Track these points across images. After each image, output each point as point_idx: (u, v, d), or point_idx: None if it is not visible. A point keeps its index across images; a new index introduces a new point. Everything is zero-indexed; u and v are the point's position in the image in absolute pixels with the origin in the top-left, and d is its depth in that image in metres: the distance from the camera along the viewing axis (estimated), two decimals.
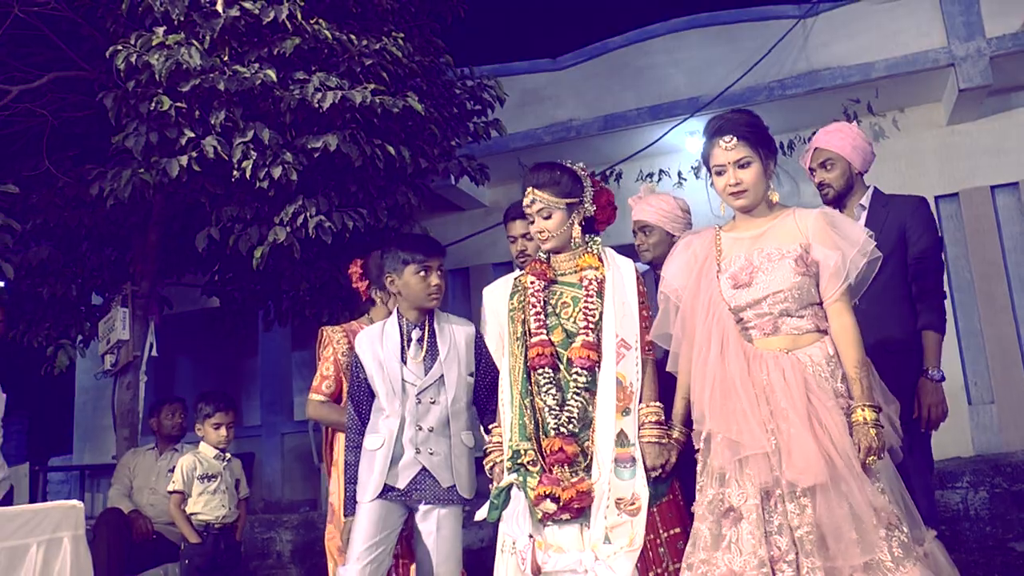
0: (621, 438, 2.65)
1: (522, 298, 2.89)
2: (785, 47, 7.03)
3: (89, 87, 4.95)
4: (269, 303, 6.32)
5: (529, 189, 2.87)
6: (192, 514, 4.20)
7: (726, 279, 2.59)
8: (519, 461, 2.69)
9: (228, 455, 4.39)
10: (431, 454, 2.93)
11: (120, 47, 4.11)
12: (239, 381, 9.88)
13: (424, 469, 2.93)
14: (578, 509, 2.58)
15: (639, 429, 2.68)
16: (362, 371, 3.07)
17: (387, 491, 2.92)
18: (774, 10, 7.26)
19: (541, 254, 2.97)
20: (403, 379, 2.98)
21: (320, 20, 4.45)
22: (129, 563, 4.68)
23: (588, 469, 2.65)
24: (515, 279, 2.99)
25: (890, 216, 3.33)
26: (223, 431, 4.31)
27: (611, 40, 7.68)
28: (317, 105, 4.32)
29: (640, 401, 2.72)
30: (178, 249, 6.15)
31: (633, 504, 2.59)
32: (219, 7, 4.17)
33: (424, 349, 3.03)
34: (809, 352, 2.47)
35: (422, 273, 2.99)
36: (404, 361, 3.01)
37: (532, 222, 2.90)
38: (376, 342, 3.06)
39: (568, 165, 2.94)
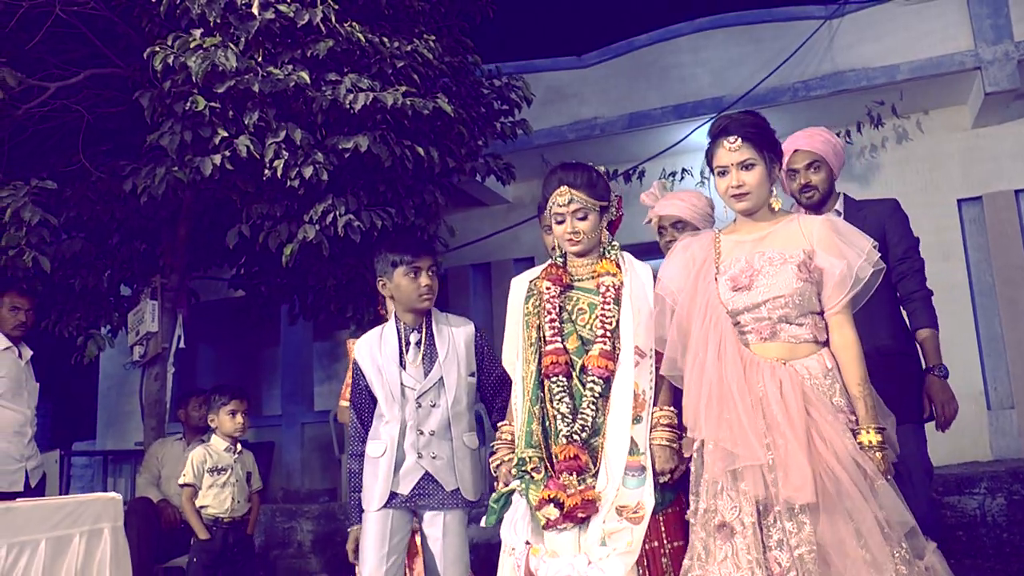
0: (632, 446, 2.59)
1: (537, 303, 2.82)
2: (810, 48, 7.04)
3: (124, 84, 5.03)
4: (295, 297, 6.40)
5: (564, 188, 2.77)
6: (201, 507, 4.23)
7: (725, 281, 2.51)
8: (524, 468, 2.64)
9: (239, 447, 4.41)
10: (433, 458, 2.92)
11: (158, 48, 4.18)
12: (260, 370, 9.99)
13: (427, 474, 2.92)
14: (581, 518, 2.53)
15: (651, 431, 2.61)
16: (362, 378, 3.06)
17: (392, 499, 2.92)
18: (800, 11, 7.26)
19: (558, 258, 2.89)
20: (402, 384, 2.97)
21: (353, 23, 4.50)
22: (158, 552, 4.79)
23: (596, 477, 2.58)
24: (531, 281, 2.91)
25: (868, 220, 3.25)
26: (239, 418, 4.34)
27: (636, 38, 7.70)
28: (349, 106, 4.37)
29: (654, 405, 2.65)
30: (207, 243, 6.23)
31: (637, 512, 2.52)
32: (254, 9, 4.22)
33: (422, 352, 3.01)
34: (806, 364, 2.39)
35: (411, 274, 2.96)
36: (403, 365, 2.99)
37: (560, 222, 2.79)
38: (375, 347, 3.05)
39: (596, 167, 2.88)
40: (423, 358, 3.01)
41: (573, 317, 2.79)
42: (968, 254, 6.99)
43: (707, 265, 2.56)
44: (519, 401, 2.75)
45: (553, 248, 2.95)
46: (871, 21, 7.00)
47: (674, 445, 2.60)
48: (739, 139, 2.52)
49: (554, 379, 2.68)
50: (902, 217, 3.36)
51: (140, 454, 7.04)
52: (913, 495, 3.02)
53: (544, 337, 2.76)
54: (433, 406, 2.95)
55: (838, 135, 3.67)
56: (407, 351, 3.01)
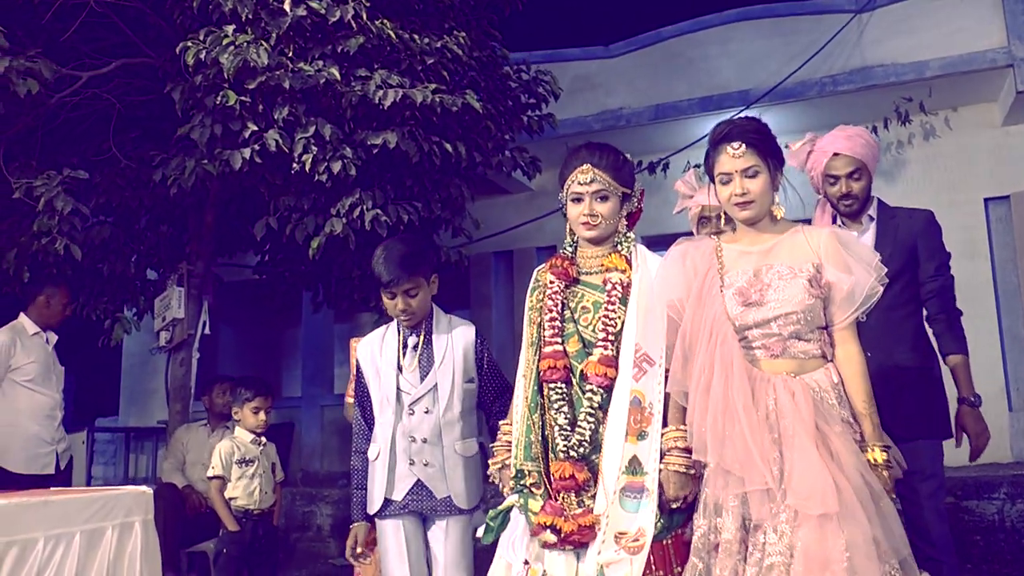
0: (633, 464, 2.36)
1: (541, 297, 2.62)
2: (839, 42, 6.97)
3: (154, 74, 5.06)
4: (318, 286, 6.45)
5: (587, 166, 2.55)
6: (230, 499, 4.26)
7: (732, 295, 2.41)
8: (522, 482, 2.46)
9: (263, 440, 4.45)
10: (425, 465, 2.87)
11: (190, 43, 4.20)
12: (281, 351, 10.07)
13: (419, 481, 2.87)
14: (580, 543, 2.34)
15: (663, 456, 2.37)
16: (362, 378, 3.02)
17: (388, 505, 2.89)
18: (829, 4, 7.19)
19: (567, 247, 2.68)
20: (398, 388, 2.91)
21: (384, 19, 4.50)
22: (183, 537, 4.87)
23: (595, 498, 2.38)
24: (537, 271, 2.71)
25: (900, 230, 3.19)
26: (261, 416, 4.38)
27: (664, 29, 7.66)
28: (378, 102, 4.38)
29: (664, 424, 2.41)
30: (232, 231, 6.28)
31: (636, 540, 2.29)
32: (286, 6, 4.24)
33: (419, 356, 2.95)
34: (815, 377, 2.34)
35: (388, 296, 2.88)
36: (400, 369, 2.93)
37: (577, 201, 2.57)
38: (376, 349, 3.01)
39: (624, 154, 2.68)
40: (419, 362, 2.94)
41: (576, 316, 2.58)
42: (994, 253, 6.95)
43: (711, 277, 2.45)
44: (519, 404, 2.57)
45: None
46: (901, 16, 6.92)
47: (690, 471, 2.36)
48: (743, 145, 2.42)
49: (552, 386, 2.49)
50: (936, 231, 3.26)
51: (162, 431, 7.14)
52: (921, 510, 3.00)
53: (544, 337, 2.56)
54: (426, 412, 2.89)
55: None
56: (404, 355, 2.96)
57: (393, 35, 4.45)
